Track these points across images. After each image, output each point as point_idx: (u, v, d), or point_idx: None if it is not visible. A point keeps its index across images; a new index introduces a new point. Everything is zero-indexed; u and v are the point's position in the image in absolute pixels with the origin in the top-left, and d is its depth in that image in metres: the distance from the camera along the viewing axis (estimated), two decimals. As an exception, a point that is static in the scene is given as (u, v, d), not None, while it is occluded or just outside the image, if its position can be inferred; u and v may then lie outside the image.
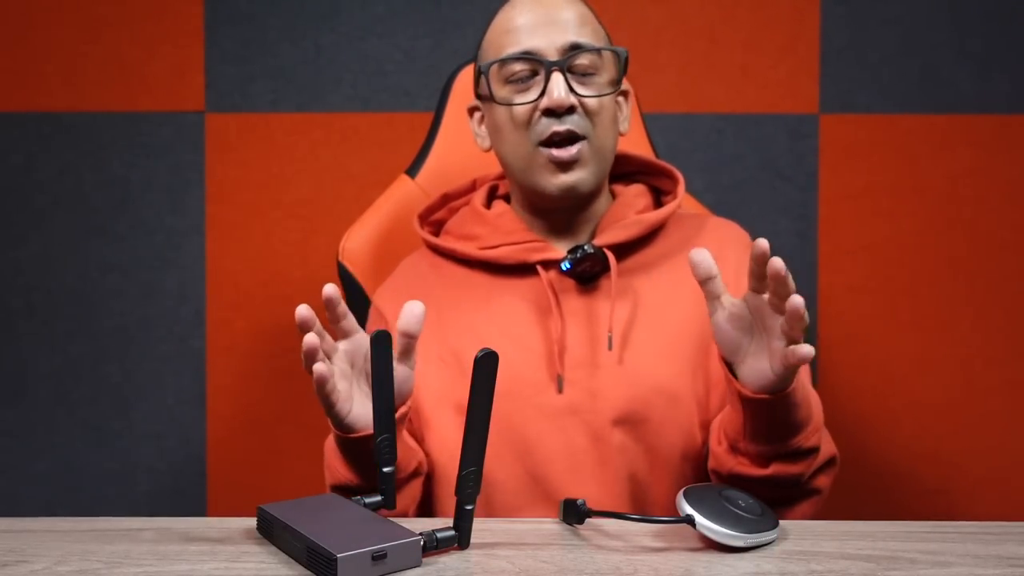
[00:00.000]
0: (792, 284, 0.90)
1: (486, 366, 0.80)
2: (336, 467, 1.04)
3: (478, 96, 1.26)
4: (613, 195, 1.29)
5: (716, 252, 1.21)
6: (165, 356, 1.87)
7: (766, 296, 0.94)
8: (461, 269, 1.24)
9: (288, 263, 1.86)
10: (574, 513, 0.91)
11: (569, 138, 1.15)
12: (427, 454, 1.17)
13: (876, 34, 1.83)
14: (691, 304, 1.18)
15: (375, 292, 1.32)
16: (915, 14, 1.83)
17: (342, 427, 0.98)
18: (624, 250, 1.21)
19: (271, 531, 0.87)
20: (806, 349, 0.90)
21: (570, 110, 1.14)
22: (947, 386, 1.84)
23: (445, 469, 1.15)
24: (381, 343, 0.90)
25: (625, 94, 1.27)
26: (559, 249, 1.21)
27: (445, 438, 1.15)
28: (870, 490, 1.84)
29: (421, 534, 0.81)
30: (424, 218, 1.31)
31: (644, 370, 1.14)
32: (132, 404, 1.88)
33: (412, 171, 1.50)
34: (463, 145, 1.46)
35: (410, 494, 1.09)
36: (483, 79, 1.20)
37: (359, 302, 1.40)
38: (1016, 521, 0.94)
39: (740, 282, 1.14)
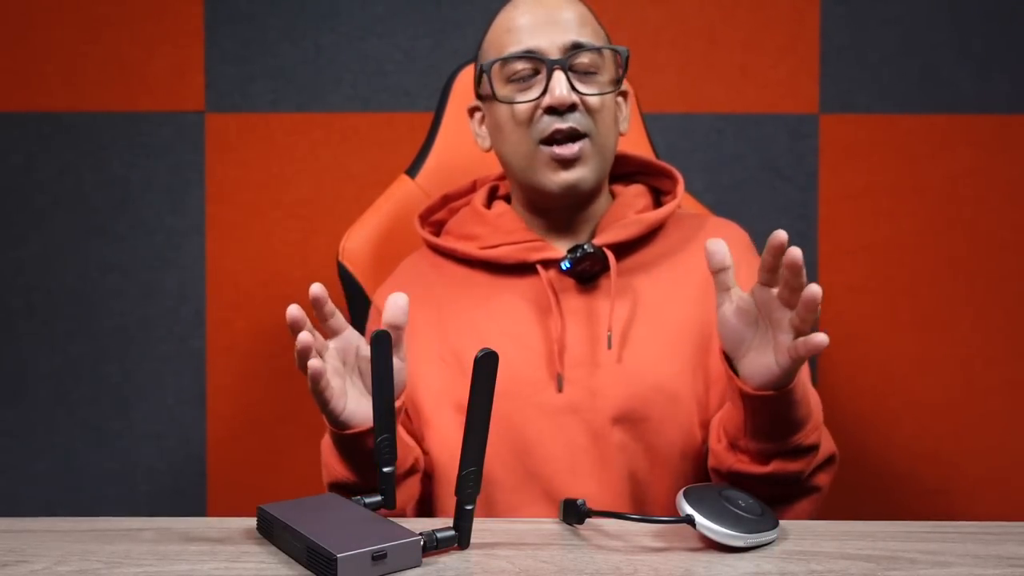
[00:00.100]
0: (805, 277, 0.90)
1: (486, 366, 0.80)
2: (333, 465, 1.04)
3: (479, 96, 1.26)
4: (613, 195, 1.29)
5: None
6: (165, 356, 1.87)
7: (775, 290, 0.94)
8: (461, 269, 1.24)
9: (288, 263, 1.86)
10: (574, 513, 0.91)
11: (571, 135, 1.15)
12: (427, 453, 1.17)
13: (876, 34, 1.83)
14: (691, 303, 1.18)
15: (375, 292, 1.32)
16: (915, 14, 1.83)
17: (337, 424, 0.98)
18: (624, 249, 1.21)
19: (271, 531, 0.87)
20: (820, 337, 0.89)
21: (572, 108, 1.15)
22: (947, 386, 1.84)
23: (445, 468, 1.16)
24: (381, 343, 0.90)
25: (624, 95, 1.27)
26: (559, 249, 1.22)
27: (445, 437, 1.16)
28: (870, 490, 1.84)
29: (421, 534, 0.81)
30: (425, 218, 1.31)
31: (644, 369, 1.15)
32: (132, 404, 1.88)
33: (412, 171, 1.50)
34: (463, 145, 1.46)
35: (407, 491, 1.09)
36: (485, 78, 1.20)
37: (359, 302, 1.40)
38: (1016, 521, 0.94)
39: (739, 282, 1.14)
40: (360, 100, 1.85)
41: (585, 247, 1.17)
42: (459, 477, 0.82)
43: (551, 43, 1.16)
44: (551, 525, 0.93)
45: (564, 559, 0.82)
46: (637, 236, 1.21)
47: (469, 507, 0.83)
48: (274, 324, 1.87)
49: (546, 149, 1.16)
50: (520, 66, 1.17)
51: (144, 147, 1.87)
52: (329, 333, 0.99)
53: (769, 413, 0.98)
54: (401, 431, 1.09)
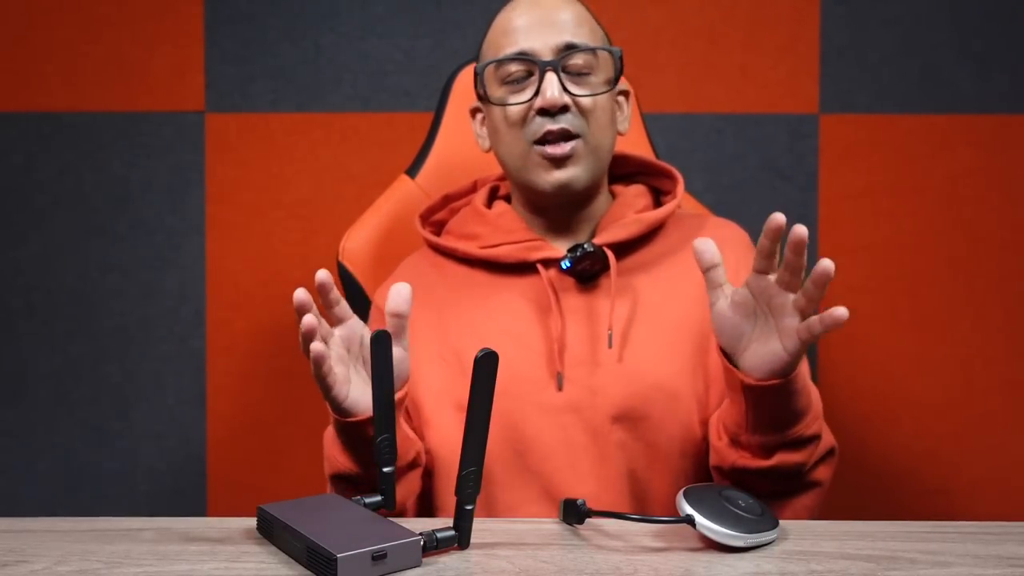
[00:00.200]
0: (806, 256, 0.91)
1: (486, 366, 0.80)
2: (335, 456, 1.04)
3: (479, 97, 1.26)
4: (613, 195, 1.29)
5: (715, 252, 1.22)
6: (165, 356, 1.87)
7: (771, 277, 0.94)
8: (462, 268, 1.25)
9: (288, 263, 1.86)
10: (574, 513, 0.91)
11: (563, 136, 1.16)
12: (428, 452, 1.17)
13: (876, 34, 1.83)
14: (690, 302, 1.19)
15: (375, 292, 1.32)
16: (915, 14, 1.83)
17: (340, 411, 0.98)
18: (624, 249, 1.21)
19: (271, 531, 0.87)
20: (840, 311, 0.89)
21: (564, 109, 1.15)
22: (947, 386, 1.84)
23: (445, 468, 1.16)
24: (381, 343, 0.90)
25: (626, 94, 1.28)
26: (559, 248, 1.22)
27: (446, 436, 1.16)
28: (870, 490, 1.84)
29: (421, 534, 0.81)
30: (425, 218, 1.32)
31: (644, 368, 1.15)
32: (132, 404, 1.88)
33: (412, 171, 1.50)
34: (463, 145, 1.46)
35: (408, 485, 1.10)
36: (480, 80, 1.21)
37: (359, 302, 1.40)
38: (1016, 521, 0.94)
39: (739, 281, 1.14)
40: (360, 100, 1.85)
41: (585, 246, 1.18)
42: (459, 477, 0.82)
43: (544, 44, 1.17)
44: (551, 525, 0.93)
45: (564, 559, 0.82)
46: (637, 236, 1.21)
47: (469, 507, 0.83)
48: (274, 324, 1.87)
49: (538, 149, 1.17)
50: (514, 68, 1.18)
51: (144, 147, 1.87)
52: (334, 320, 0.99)
53: (771, 404, 0.99)
54: (403, 424, 1.09)
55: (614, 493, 1.12)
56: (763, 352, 0.96)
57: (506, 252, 1.21)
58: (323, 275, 0.95)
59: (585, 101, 1.17)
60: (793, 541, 0.87)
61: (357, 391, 0.98)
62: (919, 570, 0.79)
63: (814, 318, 0.92)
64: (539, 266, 1.19)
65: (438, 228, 1.32)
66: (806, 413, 1.01)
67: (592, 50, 1.18)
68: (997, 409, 1.84)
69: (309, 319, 0.92)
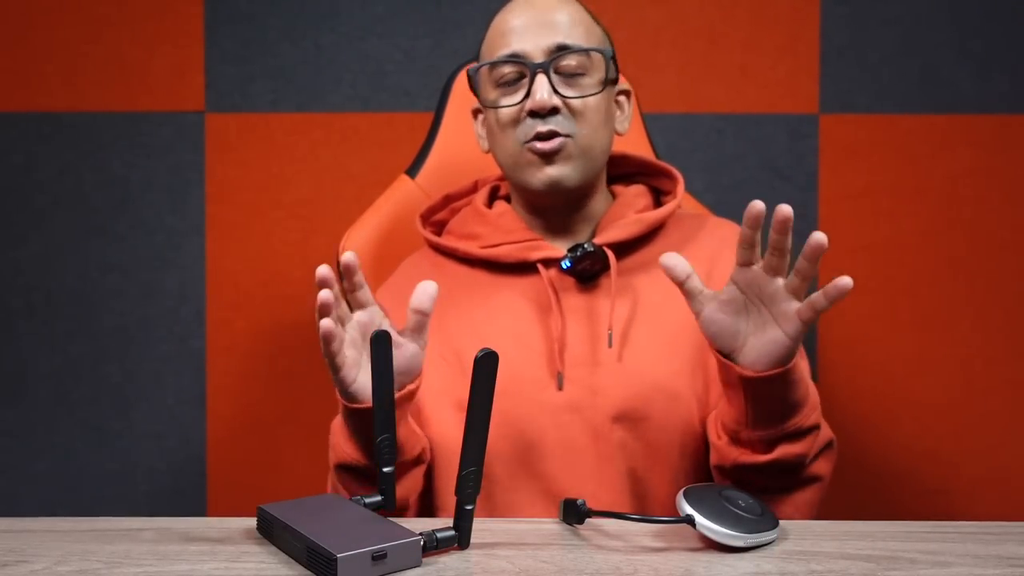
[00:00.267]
0: (791, 238, 0.92)
1: (486, 366, 0.80)
2: (340, 445, 1.04)
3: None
4: (613, 195, 1.29)
5: (715, 252, 1.22)
6: (165, 356, 1.87)
7: (756, 267, 0.95)
8: (463, 268, 1.25)
9: (288, 263, 1.86)
10: (574, 513, 0.91)
11: (552, 136, 1.17)
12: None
13: (876, 34, 1.83)
14: (691, 303, 1.19)
15: (376, 292, 1.32)
16: (915, 14, 1.83)
17: (347, 395, 0.99)
18: (624, 249, 1.22)
19: (271, 531, 0.87)
20: (844, 280, 0.90)
21: (554, 111, 1.16)
22: (947, 386, 1.84)
23: (446, 467, 1.16)
24: (381, 343, 0.90)
25: (627, 94, 1.28)
26: (559, 248, 1.22)
27: (446, 435, 1.16)
28: (870, 490, 1.84)
29: (421, 534, 0.81)
30: (426, 218, 1.32)
31: (644, 367, 1.15)
32: (132, 404, 1.88)
33: (412, 171, 1.50)
34: (463, 145, 1.46)
35: (413, 482, 1.10)
36: (475, 82, 1.22)
37: (359, 302, 1.40)
38: (1016, 521, 0.94)
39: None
40: (360, 100, 1.85)
41: (585, 246, 1.18)
42: (459, 477, 0.82)
43: (535, 46, 1.17)
44: (551, 525, 0.93)
45: (564, 559, 0.82)
46: (637, 235, 1.21)
47: (469, 507, 0.83)
48: (274, 324, 1.87)
49: (528, 146, 1.18)
50: (506, 70, 1.19)
51: (144, 147, 1.87)
52: (355, 304, 1.00)
53: (770, 396, 0.99)
54: (411, 419, 1.09)
55: (614, 493, 1.12)
56: (762, 343, 0.96)
57: (506, 252, 1.21)
58: (350, 257, 0.96)
59: (575, 103, 1.17)
60: (793, 541, 0.87)
61: (366, 377, 0.99)
62: (919, 570, 0.79)
63: (816, 294, 0.92)
64: (539, 266, 1.20)
65: (439, 228, 1.32)
66: (804, 403, 1.02)
67: (582, 51, 1.18)
68: (997, 409, 1.84)
69: (325, 294, 0.92)
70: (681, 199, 1.26)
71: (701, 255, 1.23)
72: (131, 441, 1.88)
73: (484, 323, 1.19)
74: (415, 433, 1.09)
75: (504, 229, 1.23)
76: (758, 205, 0.92)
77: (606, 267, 1.19)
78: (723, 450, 1.07)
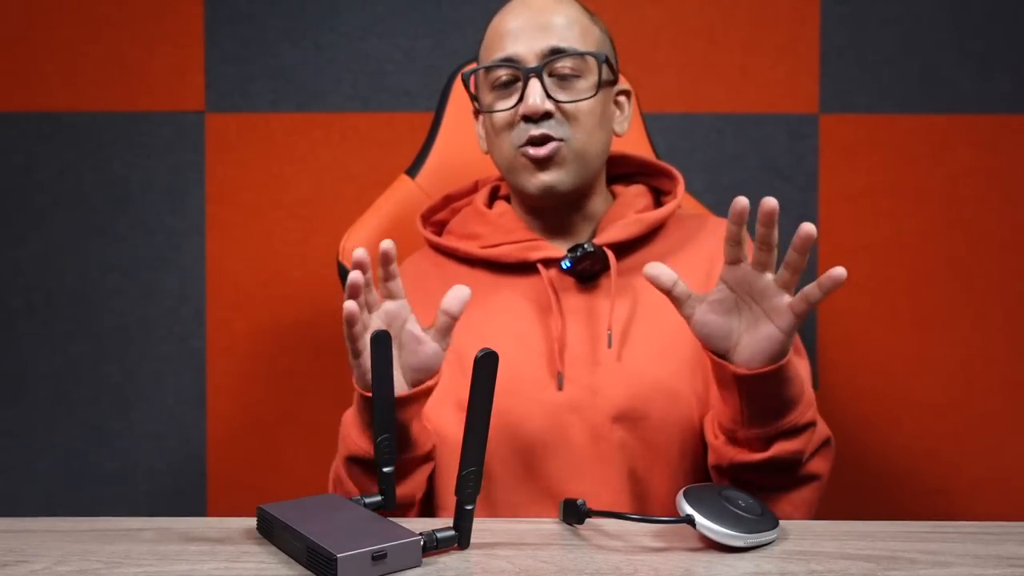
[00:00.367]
0: (778, 232, 0.93)
1: (486, 366, 0.80)
2: (352, 437, 1.04)
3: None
4: (613, 195, 1.30)
5: (715, 252, 1.22)
6: (165, 356, 1.87)
7: (744, 264, 0.95)
8: (463, 268, 1.25)
9: (288, 263, 1.86)
10: (574, 513, 0.91)
11: (544, 141, 1.17)
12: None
13: (876, 34, 1.83)
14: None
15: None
16: (915, 14, 1.83)
17: (364, 382, 0.99)
18: (624, 249, 1.22)
19: (271, 531, 0.87)
20: (838, 271, 0.90)
21: (547, 116, 1.16)
22: (947, 386, 1.84)
23: (446, 466, 1.16)
24: (381, 343, 0.90)
25: (627, 94, 1.28)
26: (560, 248, 1.22)
27: (446, 435, 1.16)
28: (870, 490, 1.84)
29: (421, 534, 0.81)
30: (427, 218, 1.32)
31: (643, 367, 1.15)
32: (132, 404, 1.88)
33: (412, 171, 1.50)
34: (463, 145, 1.46)
35: (421, 478, 1.10)
36: (471, 85, 1.23)
37: (359, 302, 1.40)
38: (1016, 521, 0.94)
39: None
40: (360, 100, 1.85)
41: (585, 246, 1.18)
42: (459, 477, 0.82)
43: (529, 49, 1.17)
44: (551, 525, 0.93)
45: (564, 559, 0.82)
46: (637, 236, 1.22)
47: (469, 507, 0.83)
48: (274, 324, 1.87)
49: (522, 151, 1.18)
50: (501, 73, 1.19)
51: (144, 147, 1.87)
52: (385, 294, 1.00)
53: (764, 394, 0.99)
54: (425, 416, 1.09)
55: (614, 493, 1.12)
56: (756, 340, 0.96)
57: (507, 252, 1.22)
58: (388, 245, 0.96)
59: (569, 107, 1.18)
60: (793, 541, 0.87)
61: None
62: (919, 570, 0.80)
63: (810, 285, 0.92)
64: (539, 266, 1.20)
65: (439, 228, 1.33)
66: (799, 401, 1.02)
67: (576, 55, 1.18)
68: (997, 409, 1.84)
69: (356, 275, 0.93)
70: (681, 199, 1.26)
71: (701, 255, 1.23)
72: (131, 441, 1.88)
73: (484, 323, 1.19)
74: (427, 430, 1.09)
75: (504, 229, 1.24)
76: (742, 201, 0.92)
77: (606, 267, 1.19)
78: (720, 449, 1.08)
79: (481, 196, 1.30)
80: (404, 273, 1.30)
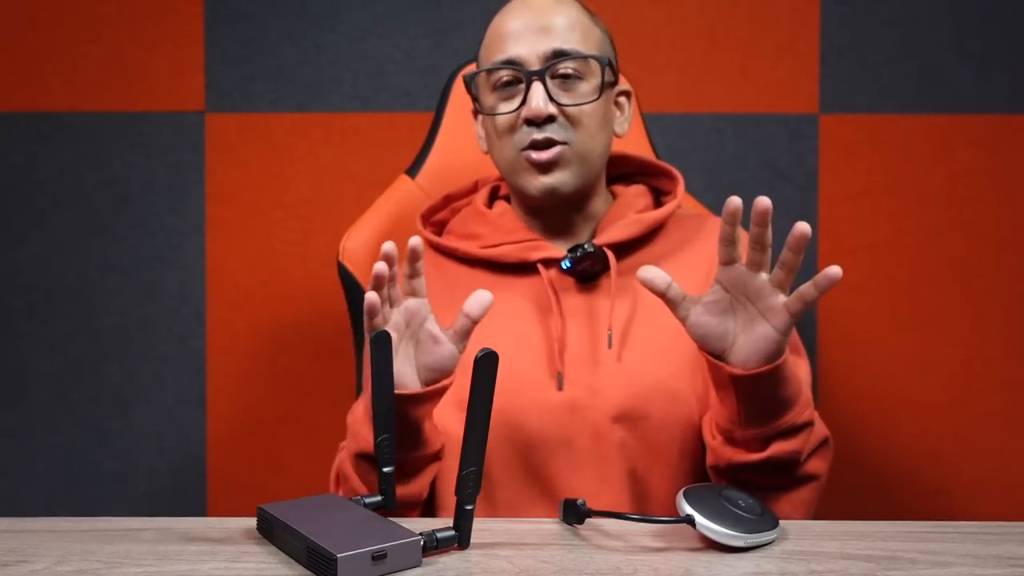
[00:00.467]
0: (771, 232, 0.93)
1: (486, 366, 0.80)
2: (362, 433, 1.04)
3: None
4: (613, 195, 1.30)
5: (715, 252, 1.22)
6: (165, 356, 1.87)
7: (738, 264, 0.95)
8: (463, 268, 1.25)
9: (288, 263, 1.86)
10: (574, 513, 0.91)
11: (548, 144, 1.17)
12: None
13: (876, 34, 1.83)
14: (691, 303, 1.19)
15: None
16: (915, 14, 1.83)
17: None
18: (624, 249, 1.22)
19: (271, 531, 0.87)
20: (834, 270, 0.90)
21: (550, 119, 1.16)
22: (947, 386, 1.84)
23: (446, 466, 1.15)
24: (381, 343, 0.90)
25: (627, 94, 1.28)
26: (560, 248, 1.22)
27: (446, 435, 1.16)
28: (870, 490, 1.84)
29: (421, 534, 0.81)
30: (427, 218, 1.32)
31: (643, 367, 1.15)
32: (132, 404, 1.88)
33: (412, 171, 1.50)
34: (463, 145, 1.46)
35: (428, 478, 1.09)
36: (472, 87, 1.23)
37: (359, 302, 1.40)
38: (1016, 521, 0.94)
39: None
40: (360, 100, 1.85)
41: (585, 247, 1.18)
42: (459, 477, 0.82)
43: (532, 51, 1.17)
44: (551, 525, 0.93)
45: (564, 559, 0.82)
46: (637, 236, 1.22)
47: (469, 507, 0.83)
48: (274, 324, 1.87)
49: (525, 154, 1.18)
50: (503, 75, 1.19)
51: (144, 147, 1.87)
52: (408, 291, 1.00)
53: (761, 393, 0.99)
54: (436, 416, 1.09)
55: (614, 493, 1.13)
56: (752, 340, 0.96)
57: (507, 252, 1.22)
58: (417, 241, 0.97)
59: (572, 110, 1.17)
60: (793, 541, 0.87)
61: (400, 364, 0.99)
62: (919, 570, 0.80)
63: (806, 284, 0.92)
64: (540, 266, 1.20)
65: (439, 228, 1.33)
66: (796, 400, 1.02)
67: (579, 58, 1.18)
68: (997, 409, 1.84)
69: (381, 267, 0.94)
70: (681, 199, 1.26)
71: (701, 255, 1.23)
72: (131, 441, 1.88)
73: (484, 323, 1.19)
74: (437, 429, 1.09)
75: (504, 229, 1.24)
76: (735, 201, 0.92)
77: (606, 267, 1.19)
78: (718, 450, 1.08)
79: (481, 196, 1.30)
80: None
